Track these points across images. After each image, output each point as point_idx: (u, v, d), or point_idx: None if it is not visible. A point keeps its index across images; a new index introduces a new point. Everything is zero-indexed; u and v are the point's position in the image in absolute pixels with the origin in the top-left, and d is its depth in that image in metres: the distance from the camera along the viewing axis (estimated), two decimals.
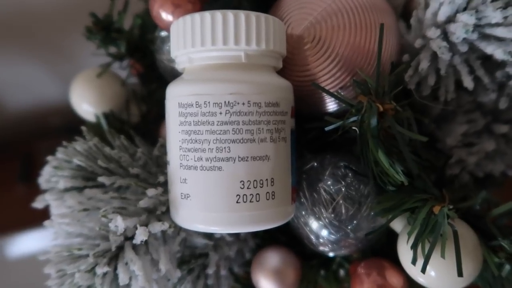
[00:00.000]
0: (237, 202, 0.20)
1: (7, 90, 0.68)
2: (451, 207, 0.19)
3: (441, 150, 0.25)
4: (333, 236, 0.24)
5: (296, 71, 0.25)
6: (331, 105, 0.26)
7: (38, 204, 0.25)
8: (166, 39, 0.28)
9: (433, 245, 0.19)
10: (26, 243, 0.66)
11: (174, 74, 0.28)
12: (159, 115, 0.33)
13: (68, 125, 0.43)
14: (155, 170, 0.27)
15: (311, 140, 0.29)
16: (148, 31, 0.31)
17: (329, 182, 0.24)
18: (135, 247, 0.22)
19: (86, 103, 0.30)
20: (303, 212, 0.25)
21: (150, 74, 0.33)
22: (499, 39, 0.20)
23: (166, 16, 0.25)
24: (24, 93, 0.69)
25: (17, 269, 0.65)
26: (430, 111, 0.26)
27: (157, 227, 0.22)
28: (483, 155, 0.25)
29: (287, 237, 0.29)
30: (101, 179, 0.24)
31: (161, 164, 0.27)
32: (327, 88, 0.25)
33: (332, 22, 0.24)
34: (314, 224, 0.25)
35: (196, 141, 0.21)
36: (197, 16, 0.21)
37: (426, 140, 0.17)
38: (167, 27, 0.25)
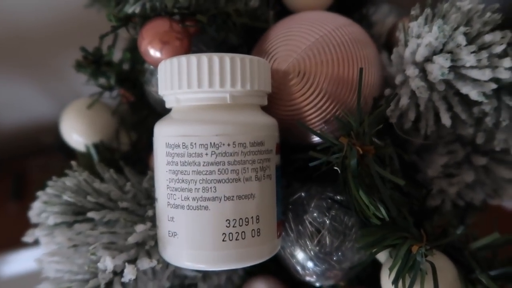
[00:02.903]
0: (223, 240, 0.21)
1: (0, 109, 0.68)
2: (428, 247, 0.19)
3: (422, 181, 0.26)
4: (318, 268, 0.25)
5: (282, 105, 0.26)
6: (316, 137, 0.27)
7: (28, 238, 0.26)
8: (155, 72, 0.29)
9: (412, 282, 0.20)
10: (19, 262, 0.65)
11: (164, 106, 0.28)
12: (149, 143, 0.34)
13: (60, 143, 0.44)
14: (145, 202, 0.27)
15: (298, 169, 0.29)
16: (138, 63, 0.31)
17: (314, 214, 0.25)
18: (124, 283, 0.23)
19: (76, 134, 0.31)
20: (289, 244, 0.26)
21: (141, 102, 0.34)
22: (474, 80, 0.21)
23: (154, 53, 0.25)
24: (17, 112, 0.69)
25: (12, 287, 0.64)
26: (412, 142, 0.27)
27: (146, 264, 0.22)
28: (463, 185, 0.26)
29: (275, 265, 0.30)
30: (90, 214, 0.25)
31: (150, 195, 0.27)
32: (312, 121, 0.25)
33: (316, 58, 0.25)
34: (300, 256, 0.25)
35: (183, 181, 0.21)
36: (183, 59, 0.21)
37: (403, 184, 0.18)
38: (155, 64, 0.26)
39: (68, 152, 0.36)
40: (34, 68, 0.64)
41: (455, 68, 0.21)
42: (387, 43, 0.32)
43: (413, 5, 0.25)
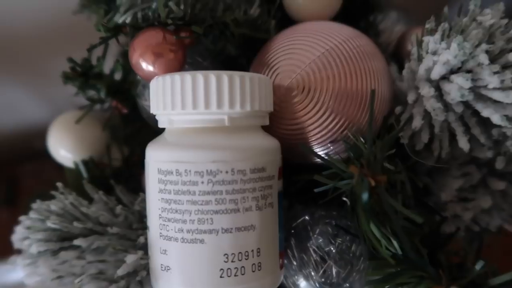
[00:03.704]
0: (220, 276, 0.19)
1: None
2: None
3: (434, 206, 0.24)
4: None
5: (284, 124, 0.24)
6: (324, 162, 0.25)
7: (10, 266, 0.24)
8: (148, 84, 0.27)
9: None
10: (11, 271, 0.63)
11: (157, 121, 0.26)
12: (142, 158, 0.32)
13: None
14: (137, 226, 0.25)
15: (301, 190, 0.27)
16: (129, 73, 0.29)
17: (319, 241, 0.23)
18: None
19: (64, 150, 0.29)
20: (292, 272, 0.24)
21: (134, 113, 0.32)
22: (496, 102, 0.19)
23: (146, 66, 0.24)
24: (8, 116, 0.67)
25: None
26: (423, 163, 0.25)
27: None
28: (478, 210, 0.24)
29: None
30: (77, 241, 0.23)
31: (143, 218, 0.25)
32: (317, 140, 0.24)
33: (321, 73, 0.23)
34: (303, 285, 0.24)
35: (177, 211, 0.19)
36: (177, 77, 0.19)
37: (421, 221, 0.16)
38: (147, 78, 0.24)
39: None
40: (27, 72, 0.62)
41: (475, 88, 0.19)
42: (395, 53, 0.31)
43: (422, 12, 0.23)
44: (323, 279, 0.23)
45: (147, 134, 0.32)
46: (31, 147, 0.69)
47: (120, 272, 0.21)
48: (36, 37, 0.58)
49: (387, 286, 0.19)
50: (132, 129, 0.32)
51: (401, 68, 0.26)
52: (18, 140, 0.70)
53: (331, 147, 0.24)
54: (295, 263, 0.24)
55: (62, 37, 0.55)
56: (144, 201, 0.26)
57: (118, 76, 0.30)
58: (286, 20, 0.28)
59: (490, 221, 0.25)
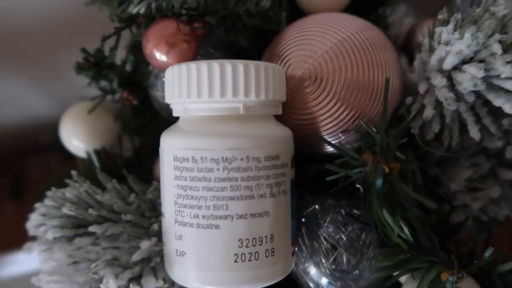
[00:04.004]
0: (235, 261, 0.19)
1: None
2: (460, 275, 0.18)
3: (444, 196, 0.24)
4: (333, 286, 0.24)
5: (296, 114, 0.24)
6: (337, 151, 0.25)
7: (25, 252, 0.24)
8: (160, 75, 0.27)
9: None
10: (17, 264, 0.64)
11: (169, 111, 0.27)
12: (153, 149, 0.32)
13: (58, 143, 0.42)
14: (149, 214, 0.25)
15: (312, 180, 0.28)
16: (141, 65, 0.30)
17: (330, 229, 0.24)
18: None
19: (77, 139, 0.29)
20: (302, 260, 0.24)
21: (145, 105, 0.32)
22: (508, 91, 0.20)
23: (160, 56, 0.24)
24: (15, 110, 0.67)
25: None
26: (434, 153, 0.25)
27: (151, 284, 0.21)
28: (487, 200, 0.25)
29: (285, 280, 0.28)
30: (92, 228, 0.23)
31: (155, 207, 0.26)
32: (329, 131, 0.24)
33: (334, 63, 0.23)
34: (313, 272, 0.24)
35: (192, 197, 0.20)
36: (193, 66, 0.20)
37: (434, 207, 0.16)
38: (161, 68, 0.24)
39: (67, 152, 0.34)
40: (33, 66, 0.63)
41: (487, 78, 0.20)
42: (404, 46, 0.31)
43: (431, 6, 0.23)
44: (333, 266, 0.23)
45: (157, 125, 0.33)
46: (36, 141, 0.70)
47: (135, 257, 0.22)
48: (41, 31, 0.59)
49: (397, 272, 0.20)
50: (143, 120, 0.33)
51: (410, 60, 0.26)
52: (24, 134, 0.70)
53: (342, 137, 0.24)
54: (305, 250, 0.24)
55: (70, 31, 0.55)
56: (156, 189, 0.26)
57: (129, 67, 0.30)
58: (297, 12, 0.29)
59: (498, 211, 0.25)
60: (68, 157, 0.34)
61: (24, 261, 0.63)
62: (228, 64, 0.19)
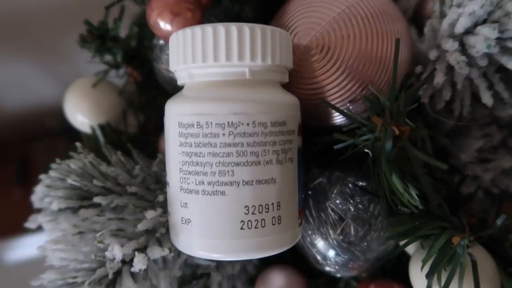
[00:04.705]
0: (241, 228, 0.19)
1: (3, 92, 0.67)
2: (472, 238, 0.17)
3: (454, 166, 0.24)
4: (340, 258, 0.23)
5: (303, 84, 0.24)
6: (340, 118, 0.25)
7: (30, 224, 0.24)
8: (165, 48, 0.27)
9: (450, 276, 0.18)
10: (23, 248, 0.64)
11: (174, 84, 0.26)
12: (158, 125, 0.32)
13: (65, 127, 0.42)
14: (154, 187, 0.25)
15: (318, 154, 0.27)
16: (145, 38, 0.29)
17: (337, 201, 0.23)
18: (133, 273, 0.21)
19: (81, 115, 0.29)
20: (309, 232, 0.24)
21: (149, 81, 0.32)
22: None
23: (164, 25, 0.23)
24: (20, 95, 0.67)
25: (15, 274, 0.64)
26: (444, 124, 0.24)
27: (157, 252, 0.21)
28: (499, 172, 0.24)
29: (292, 253, 0.28)
30: (97, 199, 0.23)
31: (160, 180, 0.26)
32: (336, 101, 0.23)
33: (342, 31, 0.23)
34: (320, 244, 0.24)
35: (198, 163, 0.19)
36: (198, 29, 0.19)
37: (446, 168, 0.16)
38: (165, 37, 0.24)
39: (73, 136, 0.34)
40: (38, 50, 0.62)
41: (501, 41, 0.19)
42: (414, 18, 0.30)
43: None
44: (341, 237, 0.23)
45: (162, 101, 0.32)
46: (43, 126, 0.70)
47: (141, 227, 0.21)
48: (48, 14, 0.58)
49: (406, 240, 0.19)
50: (148, 97, 0.32)
51: (420, 33, 0.26)
52: (30, 119, 0.71)
53: (351, 107, 0.24)
54: (312, 223, 0.24)
55: (75, 14, 0.54)
56: (161, 162, 0.26)
57: (134, 42, 0.29)
58: None
59: (510, 183, 0.25)
60: (75, 142, 0.34)
61: (31, 245, 0.63)
62: (233, 27, 0.19)
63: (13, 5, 0.55)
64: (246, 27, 0.19)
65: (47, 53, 0.63)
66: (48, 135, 0.65)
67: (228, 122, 0.19)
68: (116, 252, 0.20)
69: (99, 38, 0.27)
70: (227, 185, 0.19)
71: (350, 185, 0.24)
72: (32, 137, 0.71)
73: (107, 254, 0.20)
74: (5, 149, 0.73)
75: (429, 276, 0.19)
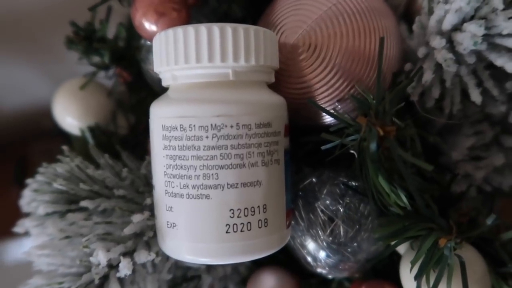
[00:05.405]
0: (227, 232, 0.19)
1: (0, 93, 0.67)
2: (458, 240, 0.17)
3: (445, 165, 0.23)
4: (331, 259, 0.23)
5: (290, 83, 0.23)
6: (329, 118, 0.24)
7: (18, 229, 0.24)
8: (152, 49, 0.27)
9: (438, 277, 0.18)
10: (23, 248, 0.64)
11: (162, 85, 0.26)
12: (148, 126, 0.32)
13: (60, 128, 0.42)
14: (143, 189, 0.25)
15: (309, 153, 0.27)
16: (133, 39, 0.29)
17: (327, 202, 0.23)
18: (120, 278, 0.21)
19: (70, 117, 0.29)
20: (299, 233, 0.24)
21: (139, 82, 0.32)
22: (510, 50, 0.18)
23: (149, 26, 0.23)
24: (17, 95, 0.67)
25: (13, 275, 0.64)
26: (434, 122, 0.24)
27: (144, 257, 0.21)
28: (491, 169, 0.24)
29: (284, 255, 0.28)
30: (84, 203, 0.23)
31: (149, 182, 0.25)
32: (324, 99, 0.23)
33: (329, 29, 0.22)
34: (311, 246, 0.23)
35: (182, 167, 0.19)
36: (179, 30, 0.19)
37: (431, 169, 0.16)
38: (151, 38, 0.23)
39: (70, 137, 0.34)
40: (34, 50, 0.62)
41: (489, 37, 0.19)
42: (405, 15, 0.30)
43: None
44: (330, 238, 0.22)
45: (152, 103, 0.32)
46: (39, 127, 0.69)
47: (127, 231, 0.21)
48: (44, 14, 0.58)
49: (395, 241, 0.19)
50: (138, 97, 0.32)
51: (411, 30, 0.25)
52: (26, 120, 0.70)
53: (339, 107, 0.23)
54: (302, 224, 0.23)
55: (71, 14, 0.54)
56: (150, 164, 0.25)
57: (121, 42, 0.29)
58: None
59: (502, 180, 0.24)
60: (71, 142, 0.34)
61: (28, 247, 0.63)
62: (215, 27, 0.19)
63: (8, 5, 0.54)
64: (228, 27, 0.19)
65: (42, 53, 0.62)
66: (45, 136, 0.65)
67: (211, 125, 0.18)
68: (100, 257, 0.19)
69: (85, 39, 0.27)
70: (211, 188, 0.19)
71: (340, 185, 0.23)
72: (29, 138, 0.71)
73: (92, 259, 0.20)
74: (2, 150, 0.73)
75: (417, 277, 0.18)
